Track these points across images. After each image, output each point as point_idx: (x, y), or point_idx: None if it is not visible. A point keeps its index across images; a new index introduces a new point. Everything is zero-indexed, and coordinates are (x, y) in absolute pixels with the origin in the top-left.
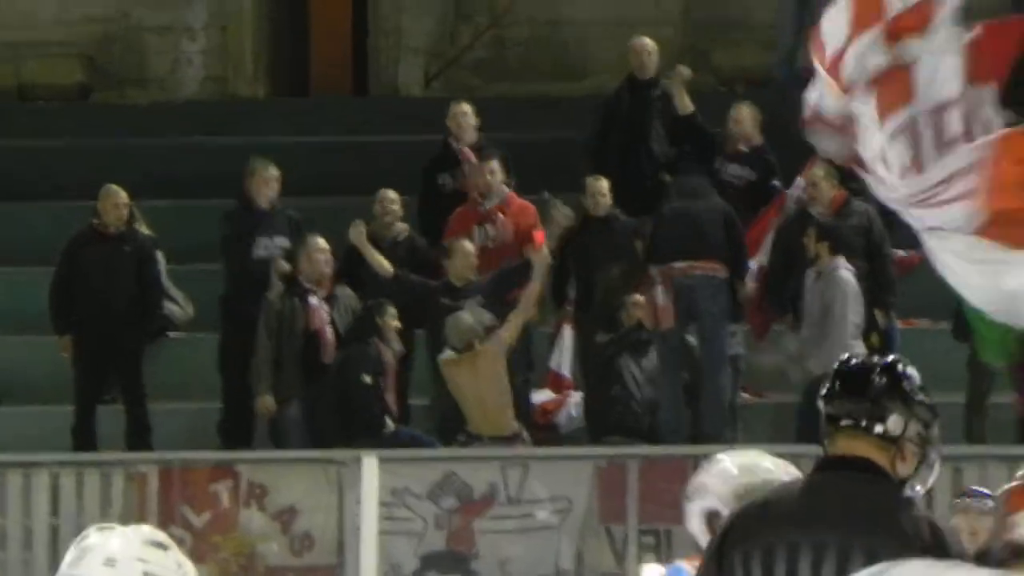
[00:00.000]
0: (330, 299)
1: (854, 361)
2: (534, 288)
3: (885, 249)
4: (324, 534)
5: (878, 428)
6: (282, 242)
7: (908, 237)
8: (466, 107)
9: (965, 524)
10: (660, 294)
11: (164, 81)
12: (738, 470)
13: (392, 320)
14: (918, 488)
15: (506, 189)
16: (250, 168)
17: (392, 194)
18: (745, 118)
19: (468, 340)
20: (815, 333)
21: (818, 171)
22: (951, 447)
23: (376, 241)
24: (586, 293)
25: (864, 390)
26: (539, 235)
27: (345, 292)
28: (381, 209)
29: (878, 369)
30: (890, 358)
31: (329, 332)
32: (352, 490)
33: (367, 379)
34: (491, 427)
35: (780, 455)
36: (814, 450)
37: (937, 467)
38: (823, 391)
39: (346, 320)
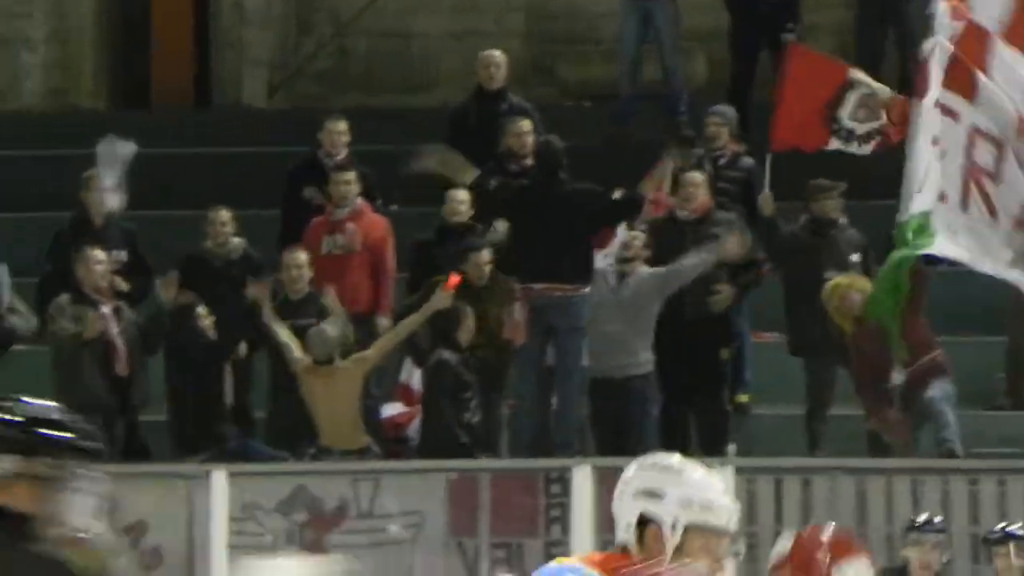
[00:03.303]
0: (115, 311)
1: None
2: (416, 319)
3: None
4: (173, 549)
5: None
6: (119, 256)
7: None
8: (342, 125)
9: (918, 557)
10: (517, 310)
11: (3, 93)
12: None
13: (206, 319)
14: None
15: (360, 200)
16: (86, 180)
17: (224, 214)
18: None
19: (330, 353)
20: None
21: (696, 175)
22: (799, 459)
23: (209, 260)
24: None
25: None
26: (454, 278)
27: (123, 305)
28: (213, 231)
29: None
30: None
31: (120, 342)
32: (202, 504)
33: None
34: (342, 440)
35: None
36: None
37: (79, 499)
38: None
39: (131, 332)
